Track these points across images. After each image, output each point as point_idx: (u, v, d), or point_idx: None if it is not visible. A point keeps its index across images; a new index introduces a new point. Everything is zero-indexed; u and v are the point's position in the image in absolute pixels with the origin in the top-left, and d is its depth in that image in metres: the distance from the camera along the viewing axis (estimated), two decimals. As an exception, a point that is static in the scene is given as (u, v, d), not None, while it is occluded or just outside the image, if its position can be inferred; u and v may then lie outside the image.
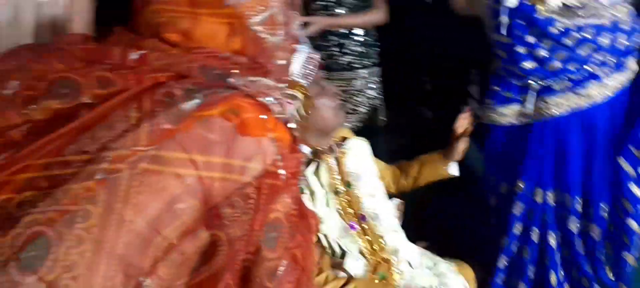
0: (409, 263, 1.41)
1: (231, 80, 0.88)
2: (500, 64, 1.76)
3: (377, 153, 1.65)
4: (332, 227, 1.33)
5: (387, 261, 1.36)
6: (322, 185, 1.34)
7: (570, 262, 1.81)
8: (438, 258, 1.47)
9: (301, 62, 1.33)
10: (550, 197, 1.77)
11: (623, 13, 1.60)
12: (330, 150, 1.41)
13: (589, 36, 1.58)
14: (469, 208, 2.14)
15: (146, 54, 0.87)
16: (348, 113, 1.51)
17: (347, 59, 2.02)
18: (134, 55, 0.86)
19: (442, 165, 1.58)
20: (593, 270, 1.81)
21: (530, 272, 1.84)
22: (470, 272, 1.49)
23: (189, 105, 0.81)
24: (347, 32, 2.00)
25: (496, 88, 1.78)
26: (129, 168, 0.75)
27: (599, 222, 1.76)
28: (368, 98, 2.09)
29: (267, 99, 0.91)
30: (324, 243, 1.32)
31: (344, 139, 1.50)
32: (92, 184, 0.73)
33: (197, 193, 0.79)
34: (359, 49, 2.02)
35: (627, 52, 1.63)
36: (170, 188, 0.77)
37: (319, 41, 2.00)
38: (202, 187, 0.80)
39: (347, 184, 1.38)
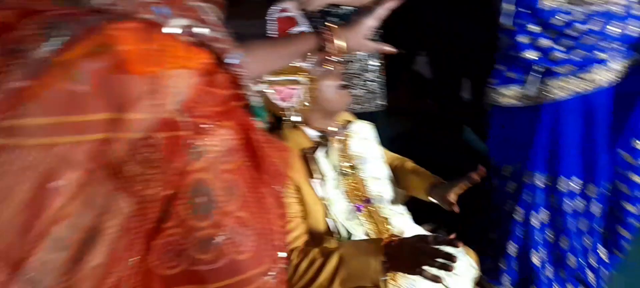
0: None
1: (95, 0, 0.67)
2: (505, 48, 1.74)
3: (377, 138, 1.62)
4: (340, 209, 1.31)
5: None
6: (332, 168, 1.32)
7: (554, 244, 1.86)
8: None
9: None
10: (539, 179, 1.78)
11: None
12: (336, 133, 1.39)
13: (596, 28, 1.56)
14: (475, 190, 2.15)
15: None
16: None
17: (344, 40, 1.96)
18: None
19: (425, 193, 1.50)
20: (588, 246, 1.89)
21: (512, 250, 1.91)
22: (473, 255, 1.48)
23: (46, 49, 0.63)
24: (348, 12, 1.94)
25: (500, 68, 1.76)
26: None
27: (601, 201, 1.82)
28: (366, 81, 2.04)
29: (159, 10, 0.70)
30: (332, 226, 1.30)
31: (347, 122, 1.48)
32: None
33: (77, 164, 0.64)
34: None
35: (634, 40, 1.61)
36: (38, 165, 0.63)
37: (318, 21, 1.95)
38: (82, 154, 0.65)
39: (353, 167, 1.37)
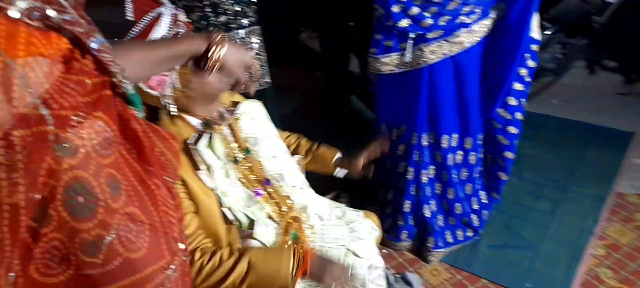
0: (320, 217, 1.39)
1: None
2: (379, 18, 1.79)
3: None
4: (236, 198, 1.24)
5: (297, 219, 1.33)
6: (218, 157, 1.23)
7: (442, 196, 2.02)
8: (346, 208, 1.48)
9: (167, 25, 1.18)
10: (424, 138, 1.91)
11: None
12: (222, 117, 1.29)
13: None
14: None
15: None
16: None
17: (222, 19, 1.87)
18: None
19: (332, 167, 1.53)
20: (470, 191, 2.07)
21: (407, 207, 2.06)
22: (374, 217, 1.53)
23: None
24: None
25: (378, 37, 1.82)
26: None
27: (476, 150, 2.00)
28: (249, 59, 1.98)
29: None
30: (230, 216, 1.23)
31: (236, 103, 1.39)
32: None
33: None
34: (234, 7, 1.87)
35: (490, 1, 1.76)
36: None
37: (188, 1, 1.83)
38: None
39: (246, 150, 1.29)
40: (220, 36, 0.99)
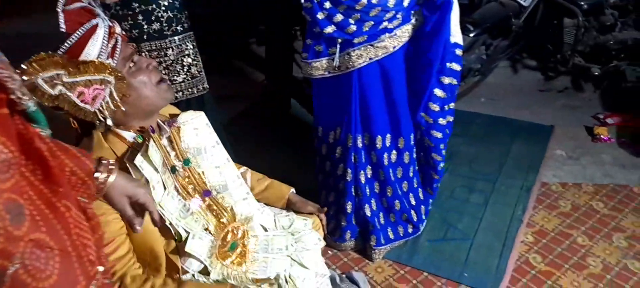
0: (264, 228, 1.38)
1: None
2: (309, 24, 1.83)
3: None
4: (170, 208, 1.21)
5: (239, 230, 1.30)
6: (155, 169, 1.19)
7: (381, 194, 2.09)
8: (294, 216, 1.47)
9: (101, 38, 1.13)
10: (359, 140, 1.97)
11: None
12: (159, 129, 1.25)
13: (375, 0, 1.73)
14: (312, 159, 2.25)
15: None
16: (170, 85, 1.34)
17: (155, 26, 1.82)
18: None
19: (281, 204, 1.54)
20: (407, 188, 2.16)
21: (349, 208, 2.11)
22: (319, 226, 1.53)
23: None
24: (151, 2, 1.80)
25: (309, 41, 1.86)
26: None
27: (410, 149, 2.09)
28: (185, 66, 1.95)
29: None
30: (172, 231, 1.20)
31: (172, 115, 1.35)
32: None
33: None
34: (167, 13, 1.84)
35: (410, 7, 1.85)
36: None
37: (119, 11, 1.77)
38: None
39: (186, 161, 1.25)
40: (112, 162, 0.96)
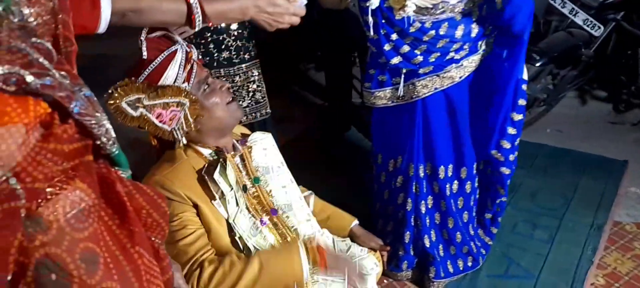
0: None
1: None
2: (372, 54, 1.85)
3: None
4: (244, 227, 1.28)
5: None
6: (229, 185, 1.27)
7: (441, 225, 2.05)
8: (350, 242, 1.49)
9: (178, 63, 1.22)
10: (421, 169, 1.94)
11: (469, 6, 1.77)
12: (234, 148, 1.34)
13: (443, 32, 1.73)
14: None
15: None
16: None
17: (225, 54, 1.92)
18: None
19: (343, 235, 1.58)
20: (467, 218, 2.10)
21: (407, 238, 2.07)
22: (378, 254, 1.54)
23: None
24: (223, 27, 1.90)
25: (372, 72, 1.88)
26: None
27: (472, 179, 2.05)
28: (250, 92, 2.03)
29: None
30: (240, 245, 1.26)
31: (244, 135, 1.44)
32: None
33: None
34: (236, 43, 1.93)
35: (478, 38, 1.82)
36: None
37: (193, 39, 1.88)
38: None
39: (256, 179, 1.33)
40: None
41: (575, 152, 3.06)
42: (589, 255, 2.23)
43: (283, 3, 1.16)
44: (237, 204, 1.28)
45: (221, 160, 1.28)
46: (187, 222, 1.21)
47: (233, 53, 1.93)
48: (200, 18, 1.07)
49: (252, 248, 1.28)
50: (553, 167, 2.92)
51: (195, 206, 1.23)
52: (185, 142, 1.26)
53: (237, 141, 1.37)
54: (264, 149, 1.39)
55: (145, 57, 1.19)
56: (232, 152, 1.32)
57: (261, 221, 1.30)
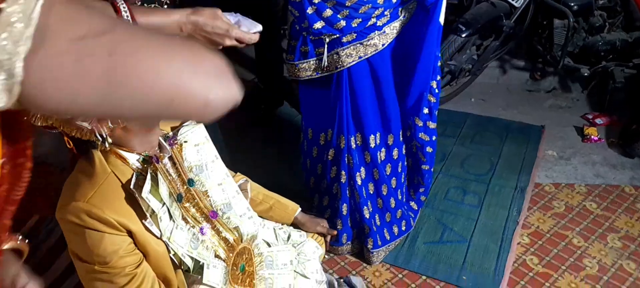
0: (267, 243, 1.34)
1: None
2: (295, 22, 1.79)
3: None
4: (181, 241, 1.13)
5: (245, 251, 1.26)
6: (161, 201, 1.10)
7: (376, 193, 2.07)
8: (290, 228, 1.44)
9: None
10: (353, 140, 1.93)
11: None
12: (162, 149, 1.16)
13: None
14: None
15: None
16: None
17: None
18: None
19: (289, 218, 1.53)
20: (395, 185, 2.13)
21: (345, 210, 2.07)
22: (319, 238, 1.51)
23: None
24: None
25: (294, 43, 1.82)
26: None
27: (399, 146, 2.08)
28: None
29: None
30: (177, 262, 1.14)
31: (174, 128, 1.26)
32: None
33: None
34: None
35: (397, 4, 1.82)
36: None
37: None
38: None
39: (189, 182, 1.17)
40: None
41: (498, 119, 3.22)
42: (514, 216, 2.35)
43: (223, 25, 1.08)
44: (171, 217, 1.13)
45: (150, 172, 1.10)
46: (128, 267, 1.06)
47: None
48: None
49: (189, 263, 1.17)
50: (479, 134, 3.05)
51: (129, 232, 1.06)
52: (110, 141, 1.04)
53: (165, 138, 1.19)
54: (196, 145, 1.23)
55: None
56: (160, 154, 1.14)
57: (201, 231, 1.17)
